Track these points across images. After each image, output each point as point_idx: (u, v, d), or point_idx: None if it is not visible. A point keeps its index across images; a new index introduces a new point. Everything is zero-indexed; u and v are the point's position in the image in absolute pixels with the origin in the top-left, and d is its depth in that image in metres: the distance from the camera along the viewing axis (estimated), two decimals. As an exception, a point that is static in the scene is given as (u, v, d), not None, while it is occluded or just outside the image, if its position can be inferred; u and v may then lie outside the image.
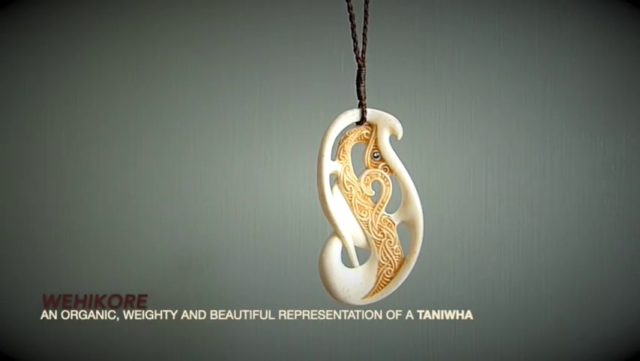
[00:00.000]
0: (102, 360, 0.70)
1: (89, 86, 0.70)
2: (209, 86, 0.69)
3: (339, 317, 0.67)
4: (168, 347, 0.69)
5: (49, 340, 0.70)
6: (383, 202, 0.42)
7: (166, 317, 0.69)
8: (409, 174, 0.42)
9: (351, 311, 0.67)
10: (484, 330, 0.66)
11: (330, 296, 0.41)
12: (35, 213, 0.70)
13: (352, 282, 0.41)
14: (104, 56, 0.70)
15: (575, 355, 0.65)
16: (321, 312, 0.68)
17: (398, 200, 0.42)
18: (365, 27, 0.42)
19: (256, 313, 0.68)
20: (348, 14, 0.41)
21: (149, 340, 0.69)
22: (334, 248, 0.40)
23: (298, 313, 0.68)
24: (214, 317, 0.69)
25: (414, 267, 0.42)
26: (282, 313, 0.68)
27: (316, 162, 0.40)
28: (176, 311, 0.69)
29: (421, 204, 0.42)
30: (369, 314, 0.67)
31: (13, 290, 0.71)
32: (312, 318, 0.68)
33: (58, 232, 0.70)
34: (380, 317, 0.67)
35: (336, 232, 0.40)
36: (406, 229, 0.43)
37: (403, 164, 0.42)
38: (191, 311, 0.69)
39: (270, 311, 0.68)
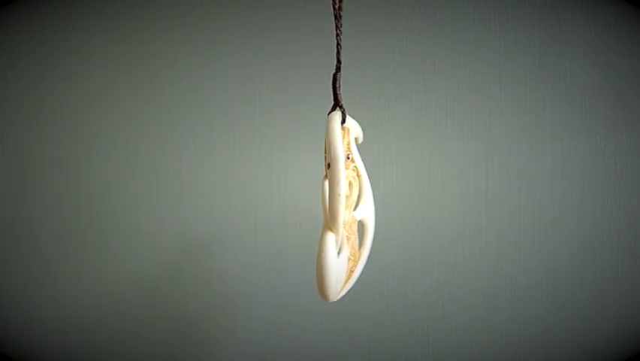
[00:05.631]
0: (102, 360, 0.70)
1: (89, 86, 0.70)
2: (209, 86, 0.69)
3: (339, 316, 0.67)
4: (169, 345, 0.69)
5: (49, 340, 0.70)
6: (353, 201, 0.44)
7: (165, 315, 0.69)
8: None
9: (351, 311, 0.67)
10: (485, 330, 0.66)
11: (320, 293, 0.41)
12: (35, 213, 0.70)
13: (339, 278, 0.42)
14: (104, 56, 0.70)
15: (575, 355, 0.65)
16: (321, 311, 0.68)
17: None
18: (338, 34, 0.42)
19: (257, 313, 0.68)
20: (334, 21, 0.42)
21: (148, 339, 0.69)
22: (332, 247, 0.41)
23: (299, 313, 0.68)
24: (214, 316, 0.69)
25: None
26: (283, 313, 0.68)
27: (334, 162, 0.40)
28: (176, 310, 0.69)
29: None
30: (369, 315, 0.67)
31: (13, 290, 0.71)
32: (311, 317, 0.68)
33: (59, 231, 0.70)
34: (380, 318, 0.67)
35: (334, 230, 0.41)
36: (362, 225, 0.45)
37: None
38: (190, 310, 0.69)
39: (269, 311, 0.68)
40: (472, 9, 0.66)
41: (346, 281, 0.43)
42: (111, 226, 0.70)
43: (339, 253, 0.42)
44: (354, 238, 0.44)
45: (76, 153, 0.70)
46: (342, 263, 0.42)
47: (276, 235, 0.68)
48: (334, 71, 0.42)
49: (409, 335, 0.67)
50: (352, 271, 0.44)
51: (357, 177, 0.44)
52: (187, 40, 0.69)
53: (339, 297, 0.42)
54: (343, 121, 0.42)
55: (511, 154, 0.66)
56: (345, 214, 0.42)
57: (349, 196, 0.43)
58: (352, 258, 0.44)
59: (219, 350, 0.69)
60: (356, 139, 0.45)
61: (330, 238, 0.41)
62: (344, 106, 0.42)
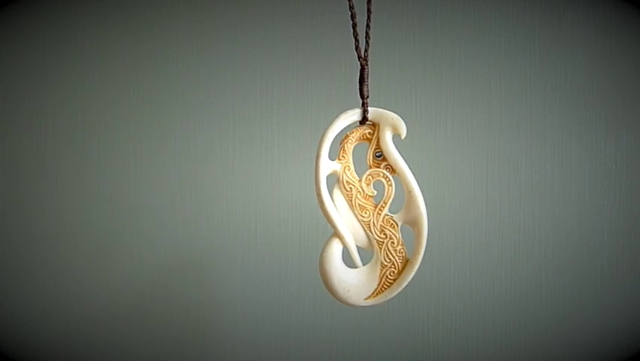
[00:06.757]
0: (102, 360, 0.70)
1: (89, 86, 0.70)
2: (209, 86, 0.69)
3: (340, 317, 0.67)
4: (169, 349, 0.69)
5: (49, 340, 0.70)
6: (385, 202, 0.41)
7: (167, 318, 0.69)
8: (412, 173, 0.41)
9: (352, 312, 0.67)
10: (485, 330, 0.66)
11: (332, 296, 0.41)
12: (35, 213, 0.70)
13: (354, 282, 0.41)
14: (104, 56, 0.70)
15: (575, 355, 0.65)
16: (323, 312, 0.68)
17: (402, 200, 0.42)
18: (368, 25, 0.42)
19: (257, 313, 0.68)
20: (350, 13, 0.41)
21: (149, 341, 0.69)
22: (334, 248, 0.40)
23: (299, 313, 0.68)
24: (215, 317, 0.69)
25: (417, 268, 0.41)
26: (283, 313, 0.68)
27: (315, 161, 0.40)
28: (177, 312, 0.69)
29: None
30: (369, 315, 0.67)
31: (13, 290, 0.71)
32: (313, 318, 0.68)
33: (59, 232, 0.70)
34: (380, 318, 0.67)
35: (335, 232, 0.40)
36: (410, 229, 0.42)
37: (407, 163, 0.41)
38: (192, 312, 0.69)
39: (271, 312, 0.68)
40: (473, 8, 0.66)
41: (380, 287, 0.41)
42: (110, 227, 0.70)
43: (346, 257, 0.41)
44: (391, 242, 0.41)
45: (76, 153, 0.70)
46: (364, 269, 0.41)
47: (277, 236, 0.68)
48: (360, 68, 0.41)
49: (410, 336, 0.67)
50: (394, 279, 0.41)
51: (389, 177, 0.41)
52: (187, 40, 0.69)
53: (367, 304, 0.41)
54: (365, 119, 0.41)
55: (511, 154, 0.66)
56: (372, 216, 0.41)
57: (388, 198, 0.41)
58: (389, 264, 0.41)
59: (220, 353, 0.69)
60: (398, 135, 0.41)
61: (331, 241, 0.40)
62: (367, 102, 0.41)
